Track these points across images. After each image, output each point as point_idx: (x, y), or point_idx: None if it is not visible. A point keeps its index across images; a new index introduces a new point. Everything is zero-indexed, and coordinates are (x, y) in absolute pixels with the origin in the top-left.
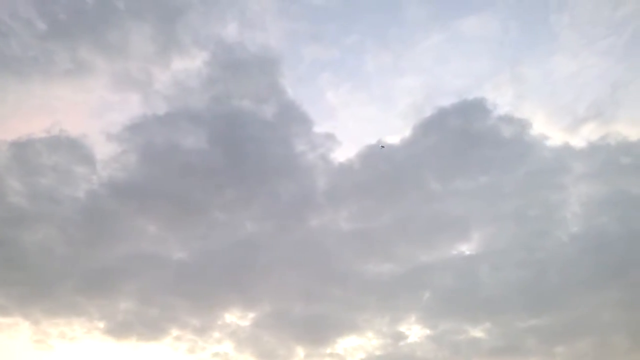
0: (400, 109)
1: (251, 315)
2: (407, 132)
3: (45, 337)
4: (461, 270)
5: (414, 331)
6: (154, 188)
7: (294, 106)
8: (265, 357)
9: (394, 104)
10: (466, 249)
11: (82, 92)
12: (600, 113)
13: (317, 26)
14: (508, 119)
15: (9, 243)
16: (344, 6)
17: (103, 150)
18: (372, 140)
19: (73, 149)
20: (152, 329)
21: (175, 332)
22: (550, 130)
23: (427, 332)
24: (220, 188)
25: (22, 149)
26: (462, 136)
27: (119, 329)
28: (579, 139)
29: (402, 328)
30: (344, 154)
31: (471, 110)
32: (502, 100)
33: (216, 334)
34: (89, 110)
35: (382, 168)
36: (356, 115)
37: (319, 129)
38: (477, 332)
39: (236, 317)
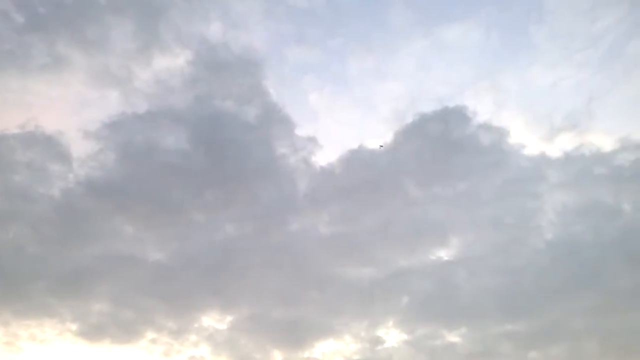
0: (383, 114)
1: (229, 318)
2: (388, 137)
3: (15, 339)
4: (439, 276)
5: (392, 336)
6: (131, 187)
7: (277, 108)
8: None
9: (376, 109)
10: (444, 254)
11: (59, 87)
12: (576, 124)
13: (301, 28)
14: (487, 127)
15: None
16: (329, 9)
17: (80, 147)
18: (354, 145)
19: (48, 145)
20: (126, 331)
21: (150, 334)
22: (527, 139)
23: (405, 336)
24: (199, 189)
25: None
26: (442, 143)
27: (92, 331)
28: (555, 149)
29: (380, 332)
30: (325, 157)
31: (452, 117)
32: (482, 108)
33: (193, 337)
34: (66, 107)
35: (363, 172)
36: (338, 119)
37: (301, 131)
38: (454, 337)
39: (213, 320)
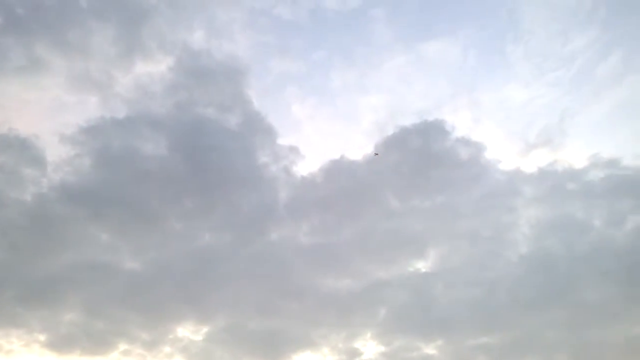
0: (364, 126)
1: (204, 329)
2: (369, 149)
3: None
4: (416, 288)
5: (369, 347)
6: (108, 194)
7: (259, 117)
8: None
9: (357, 121)
10: (422, 266)
11: (36, 90)
12: (550, 140)
13: (285, 40)
14: (465, 141)
15: None
16: (313, 22)
17: (55, 152)
18: (336, 155)
19: (22, 149)
20: (98, 342)
21: (123, 346)
22: (503, 153)
23: (382, 348)
24: (178, 197)
25: None
26: (421, 155)
27: (62, 342)
28: (530, 164)
29: (358, 344)
30: (307, 167)
31: (431, 131)
32: (460, 123)
33: (167, 349)
34: (43, 110)
35: (343, 183)
36: (320, 130)
37: (283, 141)
38: (430, 349)
39: (189, 331)
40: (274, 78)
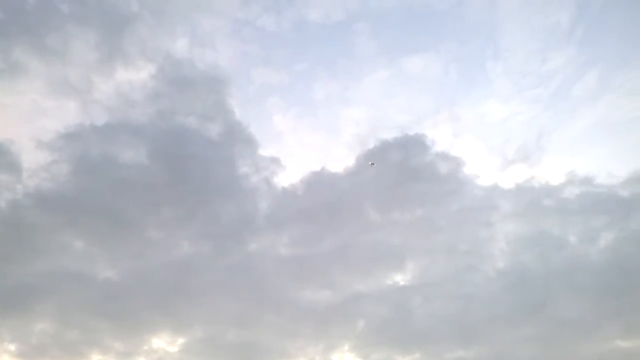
0: (345, 138)
1: (181, 340)
2: (350, 162)
3: None
4: (395, 301)
5: None
6: (85, 201)
7: (241, 127)
8: None
9: (339, 133)
10: (400, 279)
11: (13, 94)
12: (527, 157)
13: (268, 51)
14: (445, 156)
15: None
16: (296, 34)
17: (31, 158)
18: (317, 167)
19: None
20: (70, 352)
21: (96, 356)
22: (482, 169)
23: None
24: (157, 206)
25: None
26: (402, 169)
27: (33, 352)
28: (507, 180)
29: (335, 357)
30: (287, 178)
31: (412, 145)
32: (440, 138)
33: None
34: (20, 114)
35: (324, 195)
36: (302, 141)
37: (264, 151)
38: None
39: (164, 342)
40: (256, 88)
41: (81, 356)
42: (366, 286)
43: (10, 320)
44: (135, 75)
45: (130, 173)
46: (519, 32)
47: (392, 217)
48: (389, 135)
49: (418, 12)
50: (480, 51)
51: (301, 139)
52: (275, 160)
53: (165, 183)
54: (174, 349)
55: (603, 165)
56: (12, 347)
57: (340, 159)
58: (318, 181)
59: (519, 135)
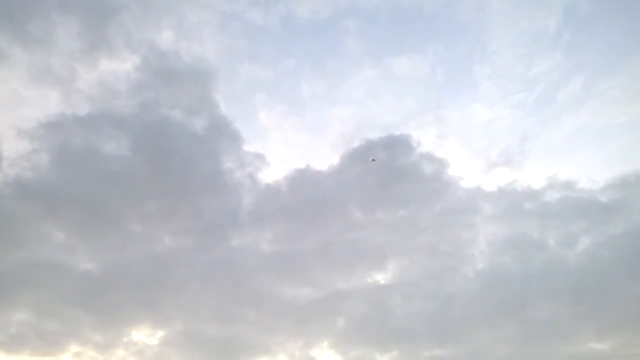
0: (331, 137)
1: (160, 333)
2: (335, 160)
3: None
4: (375, 299)
5: (326, 356)
6: (66, 192)
7: (226, 122)
8: None
9: (324, 132)
10: (381, 278)
11: None
12: (510, 160)
13: (255, 46)
14: (429, 157)
15: None
16: (284, 29)
17: (11, 147)
18: (301, 165)
19: None
20: (48, 343)
21: (74, 348)
22: (465, 171)
23: (338, 358)
24: (139, 198)
25: None
26: (386, 169)
27: (10, 342)
28: (490, 183)
29: (314, 353)
30: (272, 175)
31: (397, 145)
32: (425, 139)
33: (120, 352)
34: (0, 102)
35: (308, 193)
36: (287, 138)
37: (249, 147)
38: None
39: (144, 335)
40: (242, 83)
41: (59, 347)
42: (347, 284)
43: None
44: (119, 66)
45: (112, 165)
46: (506, 36)
47: (375, 216)
48: (374, 134)
49: (407, 12)
50: (468, 54)
51: (286, 136)
52: (260, 157)
53: (148, 176)
54: (153, 341)
55: (584, 170)
56: None
57: (325, 157)
58: (302, 179)
59: (502, 139)
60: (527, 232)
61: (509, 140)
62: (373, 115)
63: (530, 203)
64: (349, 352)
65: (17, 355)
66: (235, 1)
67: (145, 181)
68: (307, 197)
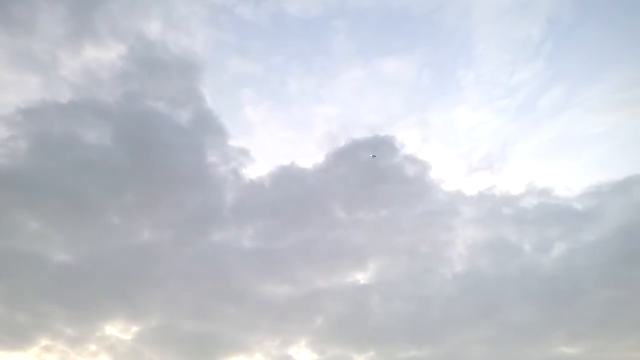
0: (316, 135)
1: (135, 328)
2: (320, 159)
3: None
4: (354, 298)
5: (303, 355)
6: (43, 181)
7: (212, 116)
8: None
9: (310, 129)
10: (361, 277)
11: None
12: (491, 165)
13: (244, 40)
14: (413, 159)
15: None
16: (273, 25)
17: None
18: (286, 162)
19: None
20: (17, 337)
21: (44, 341)
22: (447, 174)
23: (315, 357)
24: (119, 190)
25: None
26: (370, 169)
27: None
28: (471, 186)
29: (292, 351)
30: (256, 171)
31: (381, 146)
32: (409, 141)
33: (92, 347)
34: None
35: (291, 190)
36: (272, 135)
37: (234, 142)
38: None
39: (117, 330)
40: (229, 78)
41: (29, 340)
42: (327, 283)
43: None
44: (104, 54)
45: (92, 154)
46: (491, 42)
47: (357, 215)
48: (359, 134)
49: (396, 14)
50: (453, 58)
51: (272, 133)
52: (244, 152)
53: (129, 167)
54: (127, 336)
55: (561, 178)
56: None
57: (309, 155)
58: (286, 176)
59: (484, 144)
60: (505, 236)
61: (491, 145)
62: (359, 115)
63: (508, 208)
64: (326, 351)
65: None
66: None
67: (127, 172)
68: (290, 194)
